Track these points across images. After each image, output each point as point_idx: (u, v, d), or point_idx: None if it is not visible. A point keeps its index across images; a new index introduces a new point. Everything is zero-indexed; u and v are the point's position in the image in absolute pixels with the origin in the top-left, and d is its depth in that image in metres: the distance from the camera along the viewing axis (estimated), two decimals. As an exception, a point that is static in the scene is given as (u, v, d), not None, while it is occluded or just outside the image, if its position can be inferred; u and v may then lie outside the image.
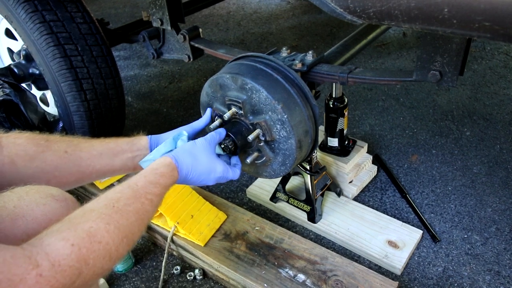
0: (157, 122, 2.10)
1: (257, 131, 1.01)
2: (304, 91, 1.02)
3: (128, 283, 1.33)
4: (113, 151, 0.90)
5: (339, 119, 1.44)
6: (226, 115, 1.02)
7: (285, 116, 0.96)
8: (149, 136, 0.97)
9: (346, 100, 1.42)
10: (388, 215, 1.42)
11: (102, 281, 1.29)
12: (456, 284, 1.22)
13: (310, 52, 1.16)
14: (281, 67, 1.04)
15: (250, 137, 0.99)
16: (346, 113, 1.44)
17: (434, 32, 0.62)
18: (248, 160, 1.04)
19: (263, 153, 1.05)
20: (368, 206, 1.46)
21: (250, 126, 1.02)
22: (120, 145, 0.92)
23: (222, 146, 1.01)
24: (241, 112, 1.01)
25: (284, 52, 1.17)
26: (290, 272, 1.19)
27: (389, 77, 1.02)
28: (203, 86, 1.10)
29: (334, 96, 1.41)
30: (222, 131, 0.98)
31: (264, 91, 0.96)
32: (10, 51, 1.76)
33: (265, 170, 1.10)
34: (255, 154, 1.05)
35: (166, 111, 2.19)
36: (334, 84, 1.37)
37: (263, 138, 1.02)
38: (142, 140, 0.96)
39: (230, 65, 1.10)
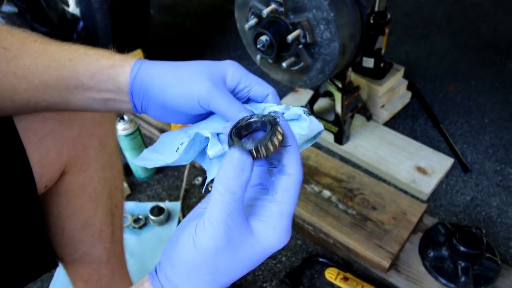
0: (180, 37, 2.00)
1: (298, 31, 0.92)
2: (353, -10, 0.92)
3: (150, 190, 1.33)
4: (66, 84, 0.50)
5: (378, 37, 1.33)
6: (265, 12, 0.93)
7: (332, 15, 0.87)
8: (138, 64, 0.48)
9: (389, 15, 1.30)
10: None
11: (125, 185, 1.29)
12: (483, 213, 1.19)
13: (361, -50, 1.03)
14: (329, -39, 0.92)
15: (290, 38, 0.91)
16: (386, 31, 1.33)
17: None
18: (284, 65, 0.97)
19: (301, 57, 0.97)
20: (398, 132, 1.40)
21: (290, 26, 0.93)
22: (79, 76, 0.49)
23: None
24: (282, 9, 0.92)
25: (331, -51, 1.04)
26: (316, 188, 1.17)
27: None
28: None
29: (376, 9, 1.29)
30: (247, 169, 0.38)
31: (310, -16, 0.86)
32: None
33: (301, 79, 1.03)
34: (292, 59, 0.98)
35: (190, 25, 2.08)
36: (379, -6, 1.25)
37: (303, 40, 0.94)
38: (121, 75, 0.48)
39: (271, -43, 0.99)
